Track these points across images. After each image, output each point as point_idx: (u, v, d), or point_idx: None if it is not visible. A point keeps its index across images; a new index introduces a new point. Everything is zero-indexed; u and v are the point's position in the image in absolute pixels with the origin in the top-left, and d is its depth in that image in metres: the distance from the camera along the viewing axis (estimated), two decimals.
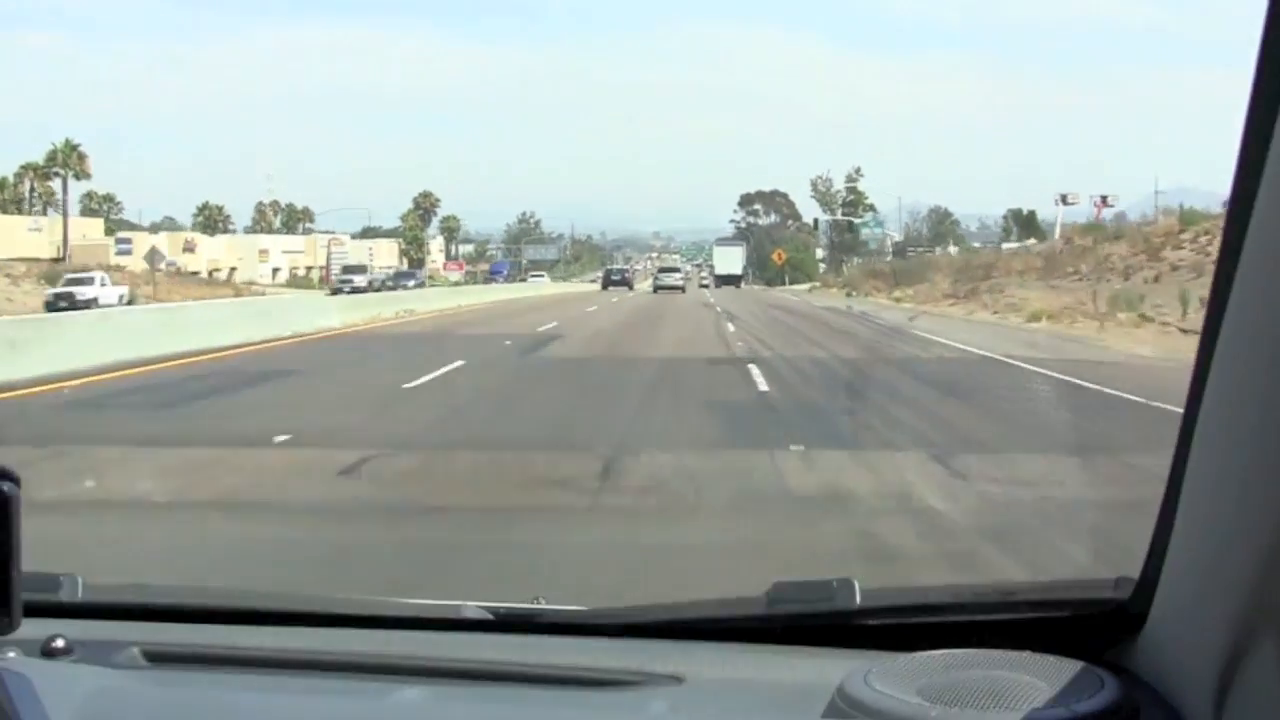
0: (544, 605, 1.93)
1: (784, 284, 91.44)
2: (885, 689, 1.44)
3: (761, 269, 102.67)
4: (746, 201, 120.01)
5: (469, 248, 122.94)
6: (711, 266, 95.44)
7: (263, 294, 50.30)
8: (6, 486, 1.29)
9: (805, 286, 77.19)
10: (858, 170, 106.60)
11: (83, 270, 47.32)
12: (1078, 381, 14.71)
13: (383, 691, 1.66)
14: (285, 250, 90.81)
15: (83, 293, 40.16)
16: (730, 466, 8.61)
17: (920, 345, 21.83)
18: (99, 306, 34.91)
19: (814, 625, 1.76)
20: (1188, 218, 38.26)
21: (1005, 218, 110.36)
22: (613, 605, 1.97)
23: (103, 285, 42.77)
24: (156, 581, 2.96)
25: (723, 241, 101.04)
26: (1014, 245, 70.18)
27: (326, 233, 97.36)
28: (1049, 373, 15.83)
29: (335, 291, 51.94)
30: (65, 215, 69.50)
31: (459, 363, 17.32)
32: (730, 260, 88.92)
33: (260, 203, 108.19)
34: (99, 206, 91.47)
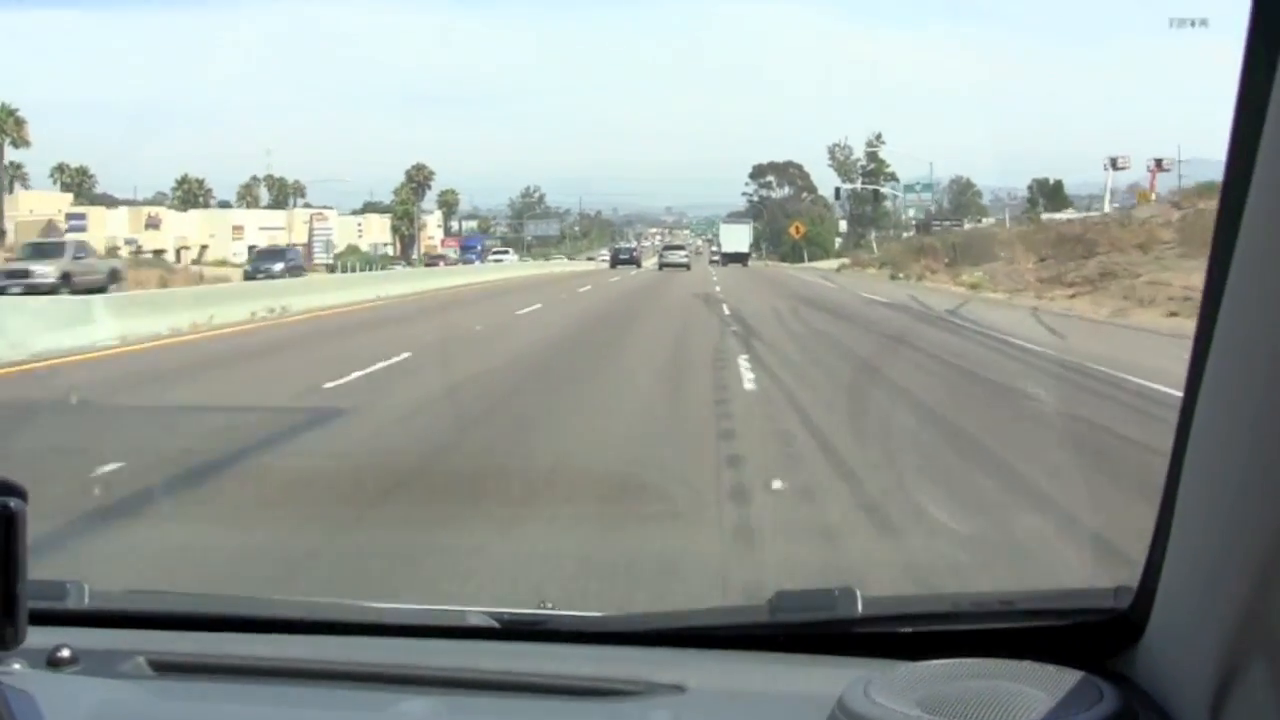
0: (550, 610, 2.04)
1: (802, 260, 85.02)
2: (885, 701, 1.43)
3: (776, 244, 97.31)
4: (759, 173, 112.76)
5: (473, 224, 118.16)
6: (719, 245, 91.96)
7: (228, 278, 43.84)
8: (14, 502, 1.26)
9: (832, 264, 66.76)
10: (878, 136, 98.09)
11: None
12: None
13: (387, 702, 1.70)
14: (263, 226, 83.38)
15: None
16: None
17: None
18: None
19: (816, 634, 1.79)
20: None
21: (1030, 188, 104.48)
22: (617, 612, 2.19)
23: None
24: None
25: (729, 219, 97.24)
26: (1095, 214, 56.20)
27: (321, 207, 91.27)
28: None
29: (249, 277, 43.75)
30: (0, 188, 63.47)
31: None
32: (737, 238, 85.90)
33: (254, 176, 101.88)
34: (70, 180, 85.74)
